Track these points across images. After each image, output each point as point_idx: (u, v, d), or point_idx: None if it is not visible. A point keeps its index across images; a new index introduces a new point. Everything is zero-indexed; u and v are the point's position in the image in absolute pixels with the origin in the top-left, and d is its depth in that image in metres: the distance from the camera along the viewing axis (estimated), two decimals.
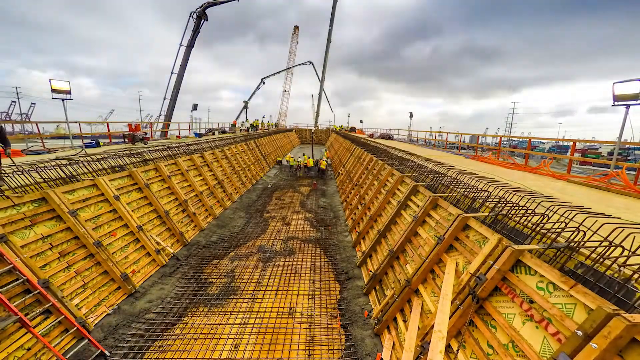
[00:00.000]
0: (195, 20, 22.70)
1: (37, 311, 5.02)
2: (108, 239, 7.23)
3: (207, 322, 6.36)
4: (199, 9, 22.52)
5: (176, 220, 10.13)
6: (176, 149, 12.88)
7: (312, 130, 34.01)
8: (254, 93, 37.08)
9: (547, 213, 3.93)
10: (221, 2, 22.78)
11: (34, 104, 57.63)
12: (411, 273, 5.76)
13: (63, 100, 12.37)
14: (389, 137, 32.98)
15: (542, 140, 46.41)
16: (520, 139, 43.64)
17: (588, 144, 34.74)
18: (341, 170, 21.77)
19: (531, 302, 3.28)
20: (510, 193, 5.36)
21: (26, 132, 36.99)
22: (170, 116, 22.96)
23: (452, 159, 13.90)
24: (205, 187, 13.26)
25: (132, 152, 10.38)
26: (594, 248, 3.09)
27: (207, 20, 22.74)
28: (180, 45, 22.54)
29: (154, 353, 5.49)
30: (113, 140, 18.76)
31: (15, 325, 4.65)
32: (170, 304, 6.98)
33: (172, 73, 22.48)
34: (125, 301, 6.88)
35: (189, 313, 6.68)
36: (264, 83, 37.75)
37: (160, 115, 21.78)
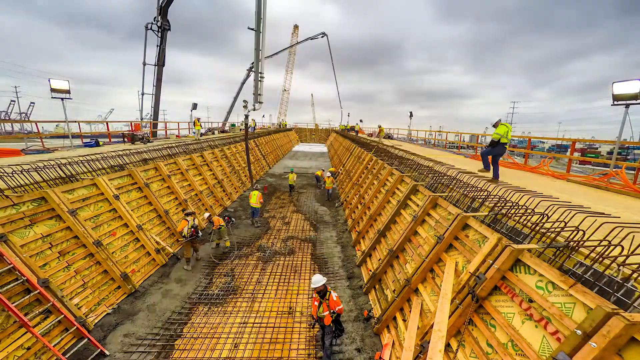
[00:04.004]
0: (158, 33, 18.83)
1: (37, 311, 5.02)
2: (108, 239, 7.22)
3: (207, 321, 6.37)
4: (156, 17, 18.64)
5: (176, 219, 10.12)
6: (175, 148, 12.87)
7: (245, 123, 15.34)
8: (241, 87, 32.84)
9: (546, 212, 3.93)
10: None
11: (33, 103, 57.56)
12: (411, 272, 5.77)
13: (62, 99, 12.38)
14: (388, 137, 32.99)
15: (542, 140, 46.41)
16: (520, 139, 43.65)
17: (587, 143, 34.71)
18: (341, 169, 21.77)
19: (530, 301, 3.29)
20: (510, 192, 5.36)
21: (25, 132, 36.95)
22: (155, 134, 20.75)
23: (451, 158, 13.90)
24: (205, 186, 13.25)
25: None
26: (593, 247, 3.09)
27: (170, 29, 19.45)
28: (144, 64, 19.20)
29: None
30: (112, 140, 18.74)
31: (15, 325, 4.66)
32: None
33: (142, 94, 19.71)
34: (125, 300, 6.88)
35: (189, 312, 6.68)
36: (250, 74, 33.83)
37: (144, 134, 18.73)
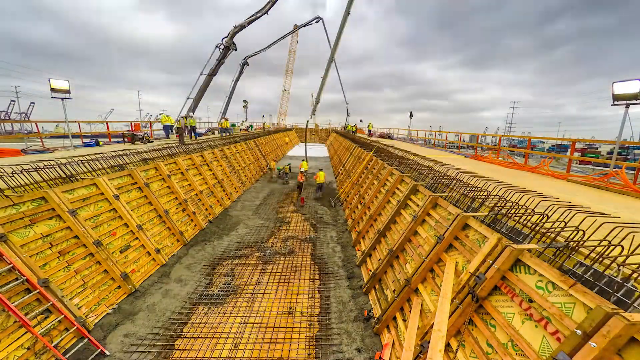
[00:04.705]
0: (222, 50, 22.17)
1: (37, 311, 5.02)
2: (108, 239, 7.23)
3: (207, 321, 6.37)
4: (225, 39, 21.97)
5: (176, 219, 10.13)
6: (175, 148, 12.87)
7: (309, 120, 24.94)
8: (237, 79, 30.18)
9: (546, 212, 3.93)
10: (251, 22, 21.50)
11: (33, 103, 57.50)
12: (411, 272, 5.77)
13: (62, 99, 12.38)
14: (388, 137, 33.01)
15: (542, 140, 46.44)
16: (520, 139, 43.65)
17: (587, 143, 34.71)
18: (341, 169, 21.76)
19: (530, 301, 3.29)
20: (510, 192, 5.36)
21: (25, 132, 36.97)
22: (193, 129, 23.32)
23: (451, 158, 13.91)
24: (205, 186, 13.25)
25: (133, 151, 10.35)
26: (593, 247, 3.09)
27: (236, 49, 22.28)
28: (201, 74, 22.30)
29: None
30: (112, 140, 18.73)
31: (15, 325, 4.66)
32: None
33: (187, 98, 22.46)
34: (125, 300, 6.89)
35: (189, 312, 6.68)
36: (247, 64, 30.60)
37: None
